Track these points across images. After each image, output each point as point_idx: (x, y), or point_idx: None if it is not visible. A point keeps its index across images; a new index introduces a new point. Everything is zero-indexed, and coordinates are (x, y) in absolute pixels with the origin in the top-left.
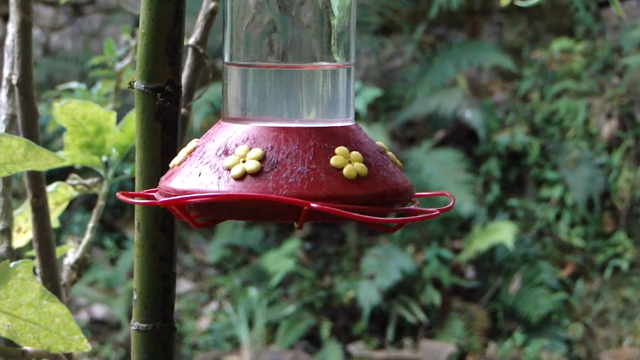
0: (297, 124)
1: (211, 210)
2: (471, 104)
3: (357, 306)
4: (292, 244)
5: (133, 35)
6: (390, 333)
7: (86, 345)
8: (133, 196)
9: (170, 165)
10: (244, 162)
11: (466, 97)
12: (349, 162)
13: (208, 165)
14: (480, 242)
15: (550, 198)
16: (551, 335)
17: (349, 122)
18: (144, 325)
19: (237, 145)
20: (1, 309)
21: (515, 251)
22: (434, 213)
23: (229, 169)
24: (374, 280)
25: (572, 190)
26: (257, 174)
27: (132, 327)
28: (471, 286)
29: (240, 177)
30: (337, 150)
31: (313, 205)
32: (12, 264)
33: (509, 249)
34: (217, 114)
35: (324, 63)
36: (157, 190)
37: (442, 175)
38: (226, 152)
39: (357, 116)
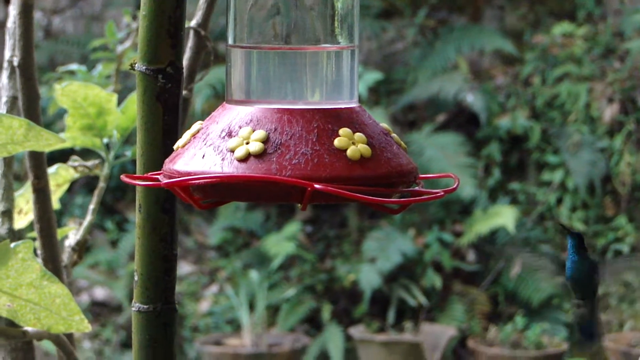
0: (301, 105)
1: (215, 192)
2: (472, 88)
3: (358, 289)
4: (293, 227)
5: (134, 17)
6: (391, 316)
7: (87, 326)
8: (136, 178)
9: (174, 147)
10: (247, 143)
11: (467, 80)
12: (353, 143)
13: (212, 147)
14: (481, 225)
15: (552, 182)
16: (552, 318)
17: (353, 104)
18: (145, 306)
19: (240, 127)
20: (2, 289)
21: (516, 235)
22: (439, 194)
23: (232, 151)
24: (375, 264)
25: (573, 174)
26: (260, 155)
27: (133, 308)
28: (472, 270)
29: (244, 159)
30: (340, 131)
31: (317, 186)
32: (12, 245)
33: (510, 232)
34: (218, 97)
35: (328, 45)
36: (160, 172)
37: (443, 159)
38: (230, 134)
39: (358, 100)
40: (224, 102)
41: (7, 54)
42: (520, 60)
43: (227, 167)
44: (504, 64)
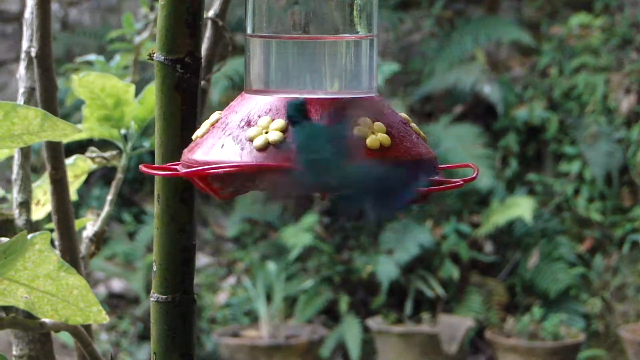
0: (320, 95)
1: (234, 181)
2: (489, 79)
3: (376, 280)
4: (311, 219)
5: (152, 8)
6: (408, 307)
7: (104, 317)
8: (155, 168)
9: (193, 137)
10: (266, 133)
11: (484, 72)
12: (372, 132)
13: (231, 137)
14: (498, 216)
15: (569, 173)
16: (569, 309)
17: (372, 93)
18: (164, 296)
19: (259, 117)
20: (19, 280)
21: (533, 226)
22: (458, 183)
23: (251, 140)
24: (393, 255)
25: (590, 165)
26: (279, 144)
27: (152, 299)
28: (489, 261)
29: (263, 148)
30: (360, 120)
31: None
32: (29, 236)
33: (528, 223)
34: (236, 88)
35: (347, 34)
36: (179, 162)
37: (460, 150)
38: (249, 124)
39: (377, 89)
40: (243, 92)
41: (25, 44)
42: (537, 51)
43: (246, 156)
44: (521, 55)
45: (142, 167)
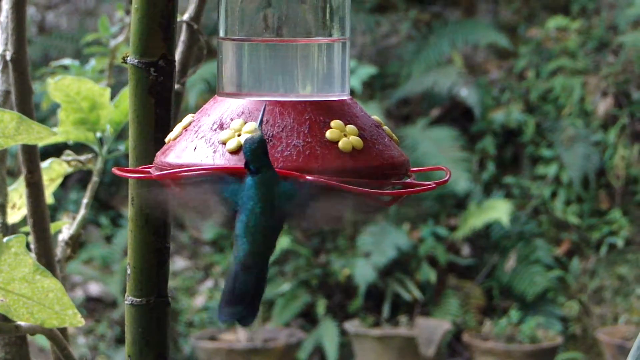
0: (293, 98)
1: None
2: (467, 82)
3: (353, 284)
4: None
5: (128, 12)
6: (386, 310)
7: (80, 320)
8: (128, 171)
9: (166, 140)
10: (239, 135)
11: (462, 75)
12: (345, 135)
13: (203, 140)
14: (475, 219)
15: (546, 176)
16: (547, 312)
17: (345, 96)
18: (138, 299)
19: (232, 120)
20: None
21: (510, 229)
22: (430, 186)
23: (224, 143)
24: (370, 258)
25: (567, 168)
26: None
27: (126, 302)
28: (467, 264)
29: (236, 151)
30: (332, 123)
31: (308, 177)
32: (5, 239)
33: (505, 226)
34: (212, 91)
35: (319, 37)
36: (152, 165)
37: (437, 153)
38: (221, 126)
39: (352, 94)
40: (215, 95)
41: (0, 48)
42: (514, 54)
43: (219, 159)
44: (498, 58)
45: (115, 170)
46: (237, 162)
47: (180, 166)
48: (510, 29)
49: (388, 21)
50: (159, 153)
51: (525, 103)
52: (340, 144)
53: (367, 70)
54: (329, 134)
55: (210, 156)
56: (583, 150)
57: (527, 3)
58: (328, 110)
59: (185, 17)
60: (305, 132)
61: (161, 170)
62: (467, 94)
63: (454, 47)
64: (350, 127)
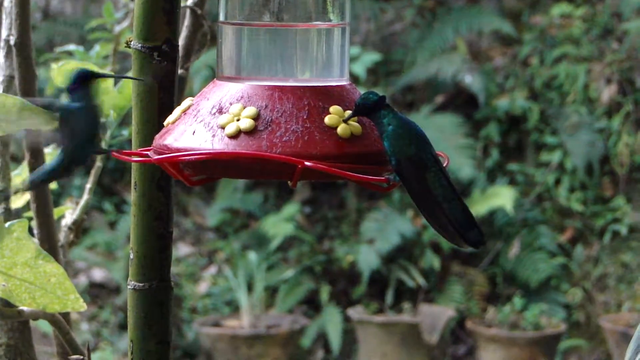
0: (292, 82)
1: (205, 169)
2: (471, 69)
3: (357, 270)
4: (292, 208)
5: None
6: (389, 297)
7: (82, 305)
8: (127, 154)
9: (165, 123)
10: (238, 120)
11: (466, 61)
12: (344, 121)
13: (202, 124)
14: (479, 206)
15: (550, 163)
16: (550, 299)
17: (344, 82)
18: (141, 284)
19: (231, 104)
20: None
21: (514, 215)
22: None
23: (223, 127)
24: (374, 245)
25: (571, 155)
26: (251, 132)
27: (129, 286)
28: (470, 251)
29: (235, 135)
30: (331, 109)
31: (307, 163)
32: (7, 224)
33: (509, 213)
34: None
35: (319, 22)
36: (151, 148)
37: (441, 139)
38: (220, 111)
39: (357, 81)
40: (215, 79)
41: (4, 33)
42: (518, 41)
43: (218, 143)
44: (502, 45)
45: (114, 153)
46: (236, 146)
47: (179, 150)
48: (515, 15)
49: (392, 8)
50: (157, 136)
51: (529, 90)
52: (339, 130)
53: (372, 57)
54: (327, 119)
55: (209, 140)
56: (587, 137)
57: None
58: (327, 96)
59: (189, 2)
60: (304, 117)
61: (160, 154)
62: (471, 80)
63: (458, 34)
64: (350, 113)
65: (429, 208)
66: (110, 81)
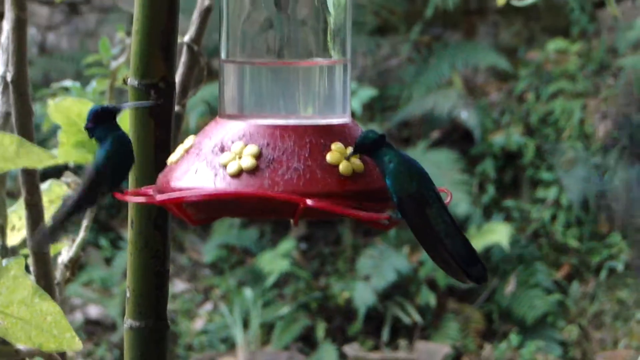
0: (294, 120)
1: (208, 208)
2: (467, 104)
3: (353, 307)
4: (288, 244)
5: (128, 33)
6: (385, 334)
7: (78, 344)
8: (130, 194)
9: (167, 162)
10: (240, 159)
11: (462, 97)
12: (346, 158)
13: (204, 162)
14: (475, 242)
15: (546, 199)
16: (546, 336)
17: (346, 119)
18: (137, 322)
19: (233, 142)
20: None
21: (510, 252)
22: None
23: (225, 166)
24: (370, 281)
25: (567, 191)
26: (253, 170)
27: (125, 325)
28: (467, 287)
29: (237, 174)
30: (333, 146)
31: (309, 202)
32: (4, 262)
33: (505, 249)
34: (213, 113)
35: (320, 59)
36: (153, 187)
37: (437, 175)
38: (222, 149)
39: (353, 116)
40: (217, 117)
41: (1, 69)
42: (514, 76)
43: (220, 182)
44: (498, 80)
45: (116, 194)
46: (238, 186)
47: (182, 189)
48: (510, 51)
49: (388, 43)
50: (160, 175)
51: (525, 125)
52: (340, 167)
53: (368, 92)
54: (329, 157)
55: (212, 179)
56: (583, 173)
57: (527, 25)
58: (329, 133)
59: (186, 38)
60: (306, 155)
61: (162, 193)
62: (467, 116)
63: (454, 69)
64: (351, 150)
65: (431, 244)
66: None
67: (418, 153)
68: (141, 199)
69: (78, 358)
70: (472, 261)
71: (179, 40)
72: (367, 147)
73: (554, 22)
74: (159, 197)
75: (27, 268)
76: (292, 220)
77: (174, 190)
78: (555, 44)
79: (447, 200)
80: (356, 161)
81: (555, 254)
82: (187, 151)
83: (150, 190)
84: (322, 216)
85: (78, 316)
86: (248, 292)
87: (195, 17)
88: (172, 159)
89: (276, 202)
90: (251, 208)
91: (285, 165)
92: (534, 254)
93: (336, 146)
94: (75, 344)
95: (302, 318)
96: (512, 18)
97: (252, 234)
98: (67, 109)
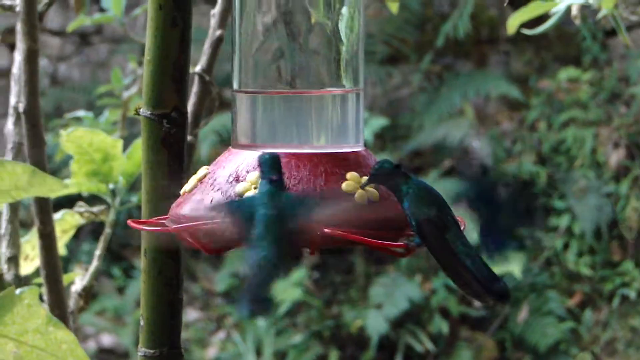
0: (308, 149)
1: (223, 237)
2: (478, 134)
3: (365, 335)
4: (300, 273)
5: (140, 64)
6: None
7: None
8: (144, 223)
9: (181, 192)
10: (255, 188)
11: (473, 126)
12: (361, 187)
13: (219, 192)
14: None
15: (558, 227)
16: None
17: (359, 147)
18: (151, 351)
19: (248, 172)
20: (8, 335)
21: (523, 280)
22: None
23: (241, 195)
24: (382, 309)
25: (579, 219)
26: None
27: (139, 353)
28: (479, 315)
29: None
30: (348, 175)
31: (325, 230)
32: (18, 291)
33: (517, 278)
34: (224, 143)
35: (333, 88)
36: (166, 217)
37: (449, 204)
38: (237, 179)
39: (365, 145)
40: (230, 147)
41: (13, 100)
42: (526, 105)
43: None
44: (509, 110)
45: (130, 223)
46: None
47: (196, 219)
48: (522, 80)
49: (399, 72)
50: (174, 205)
51: (537, 154)
52: (356, 196)
53: (379, 122)
54: (344, 185)
55: None
56: (595, 201)
57: (539, 54)
58: (343, 162)
59: (198, 68)
60: (321, 184)
61: (177, 223)
62: (478, 145)
63: (465, 98)
64: (366, 179)
65: (452, 267)
66: (119, 147)
67: (429, 182)
68: (157, 229)
69: None
70: (494, 279)
71: (190, 71)
72: (382, 177)
73: (565, 50)
74: (175, 227)
75: (40, 297)
76: (308, 250)
77: (188, 219)
78: (566, 73)
79: (461, 228)
80: (371, 190)
81: (567, 282)
82: (200, 181)
83: (163, 219)
84: (339, 244)
85: (91, 345)
86: (261, 321)
87: (207, 47)
88: (185, 189)
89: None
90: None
91: None
92: (546, 282)
93: (351, 175)
94: None
95: (315, 346)
96: (523, 47)
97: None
98: (79, 139)
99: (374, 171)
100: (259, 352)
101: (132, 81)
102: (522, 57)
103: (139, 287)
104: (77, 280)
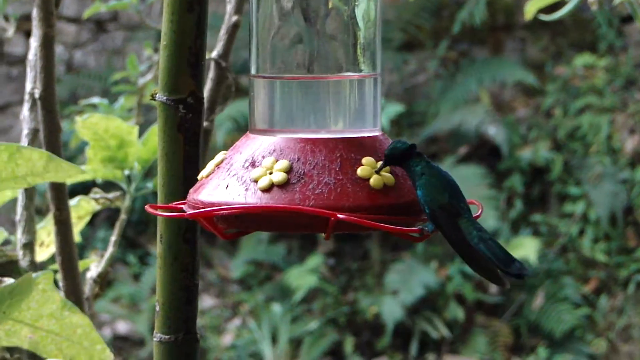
0: (324, 134)
1: (239, 222)
2: (494, 120)
3: (381, 322)
4: (316, 260)
5: (155, 50)
6: (413, 349)
7: (109, 355)
8: (161, 209)
9: (199, 177)
10: (270, 173)
11: (489, 113)
12: (376, 172)
13: (235, 177)
14: None
15: (574, 213)
16: (575, 350)
17: (376, 132)
18: (167, 336)
19: (264, 157)
20: (23, 320)
21: (538, 267)
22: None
23: (256, 181)
24: (398, 296)
25: (595, 205)
26: (283, 185)
27: (155, 339)
28: (495, 302)
29: (267, 189)
30: (363, 160)
31: (340, 216)
32: (33, 275)
33: (533, 264)
34: (240, 129)
35: (350, 73)
36: (184, 202)
37: (465, 191)
38: (253, 164)
39: (381, 128)
40: (248, 132)
41: (29, 86)
42: (541, 92)
43: (251, 197)
44: (525, 96)
45: (147, 208)
46: (269, 200)
47: (213, 204)
48: (538, 66)
49: (415, 59)
50: (191, 190)
51: (552, 141)
52: (371, 181)
53: (395, 108)
54: (360, 171)
55: (243, 194)
56: (610, 187)
57: (554, 41)
58: (359, 147)
59: (214, 54)
60: (337, 169)
61: (194, 208)
62: (494, 132)
63: (481, 85)
64: (381, 163)
65: (467, 251)
66: (134, 133)
67: (446, 168)
68: (174, 214)
69: None
70: (510, 260)
71: (206, 56)
72: (396, 158)
73: (581, 37)
74: (192, 212)
75: (56, 284)
76: (323, 235)
77: (205, 204)
78: (582, 59)
79: (478, 212)
80: (387, 174)
81: (583, 268)
82: (217, 166)
83: (180, 205)
84: (354, 230)
85: (106, 332)
86: (276, 308)
87: (223, 33)
88: (203, 174)
89: (307, 217)
90: (282, 222)
91: (316, 180)
92: (561, 269)
93: (367, 160)
94: (106, 355)
95: (331, 333)
96: (539, 33)
97: (280, 249)
98: (94, 125)
99: (387, 152)
100: (274, 339)
101: (148, 68)
102: (538, 43)
103: (154, 274)
104: (93, 266)
